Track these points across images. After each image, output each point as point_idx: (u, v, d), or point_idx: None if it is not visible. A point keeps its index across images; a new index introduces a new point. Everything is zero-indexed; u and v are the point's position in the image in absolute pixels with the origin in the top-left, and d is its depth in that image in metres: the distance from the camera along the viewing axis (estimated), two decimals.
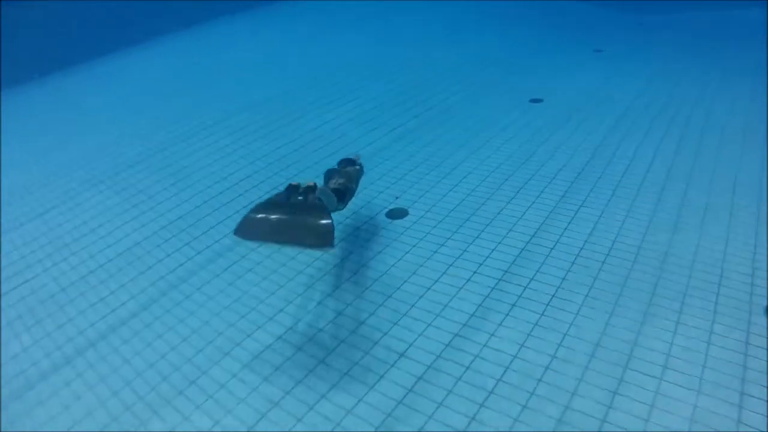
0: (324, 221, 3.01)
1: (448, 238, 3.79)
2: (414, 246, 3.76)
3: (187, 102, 6.71)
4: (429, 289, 3.33)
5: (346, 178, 3.41)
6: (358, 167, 3.58)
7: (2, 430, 2.47)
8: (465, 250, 3.64)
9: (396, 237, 3.87)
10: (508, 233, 3.77)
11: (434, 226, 3.95)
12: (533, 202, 4.10)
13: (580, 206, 4.00)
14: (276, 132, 5.70)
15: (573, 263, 3.42)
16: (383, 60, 7.83)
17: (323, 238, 3.02)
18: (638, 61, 7.11)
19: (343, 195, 3.29)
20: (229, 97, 6.74)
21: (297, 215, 3.07)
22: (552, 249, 3.57)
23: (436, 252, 3.66)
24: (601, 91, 6.19)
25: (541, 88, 6.38)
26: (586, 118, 5.49)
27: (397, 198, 4.36)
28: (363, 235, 3.93)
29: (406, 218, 4.09)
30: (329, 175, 3.48)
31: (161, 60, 8.79)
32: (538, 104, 5.99)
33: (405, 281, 3.41)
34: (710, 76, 6.35)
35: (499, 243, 3.67)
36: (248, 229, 3.24)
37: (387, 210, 4.21)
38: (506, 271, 3.41)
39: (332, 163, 3.76)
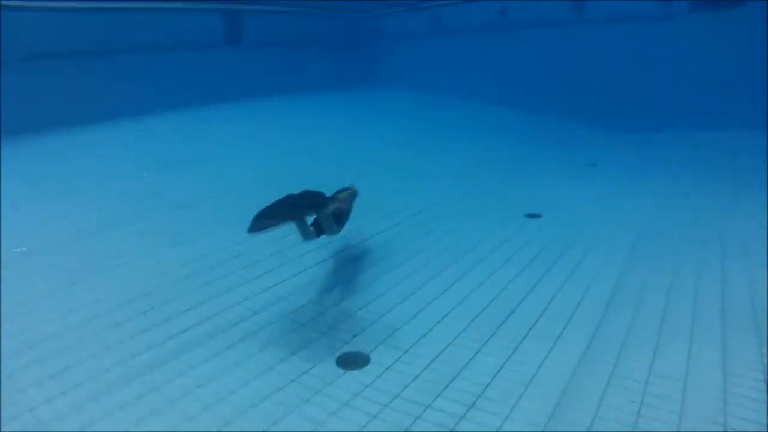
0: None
1: (427, 406, 2.58)
2: (374, 416, 2.52)
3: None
4: None
5: (338, 202, 3.74)
6: (350, 190, 4.07)
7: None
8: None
9: (349, 399, 2.63)
10: (512, 408, 2.59)
11: (405, 385, 2.74)
12: (546, 354, 2.99)
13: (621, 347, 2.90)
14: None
15: None
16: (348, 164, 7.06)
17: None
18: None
19: (339, 218, 3.67)
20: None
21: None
22: None
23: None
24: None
25: (537, 201, 5.68)
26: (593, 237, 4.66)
27: (354, 336, 3.19)
28: (299, 391, 2.68)
29: (365, 368, 2.89)
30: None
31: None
32: (535, 219, 5.22)
33: None
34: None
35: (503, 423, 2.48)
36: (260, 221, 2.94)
37: (339, 353, 3.01)
38: None
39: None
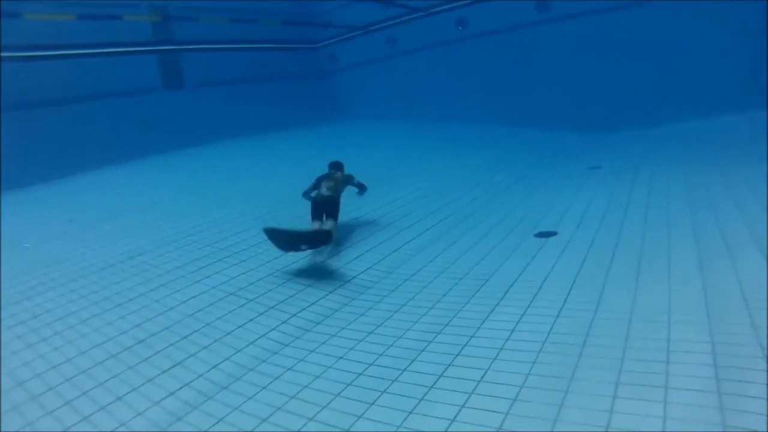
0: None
1: None
2: None
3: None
4: None
5: (334, 182, 4.67)
6: (348, 175, 4.97)
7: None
8: None
9: None
10: None
11: None
12: None
13: None
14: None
15: None
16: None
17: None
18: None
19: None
20: None
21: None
22: None
23: None
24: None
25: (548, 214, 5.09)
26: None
27: None
28: None
29: None
30: (319, 181, 4.71)
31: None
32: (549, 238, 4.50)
33: None
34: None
35: None
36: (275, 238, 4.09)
37: None
38: None
39: None
